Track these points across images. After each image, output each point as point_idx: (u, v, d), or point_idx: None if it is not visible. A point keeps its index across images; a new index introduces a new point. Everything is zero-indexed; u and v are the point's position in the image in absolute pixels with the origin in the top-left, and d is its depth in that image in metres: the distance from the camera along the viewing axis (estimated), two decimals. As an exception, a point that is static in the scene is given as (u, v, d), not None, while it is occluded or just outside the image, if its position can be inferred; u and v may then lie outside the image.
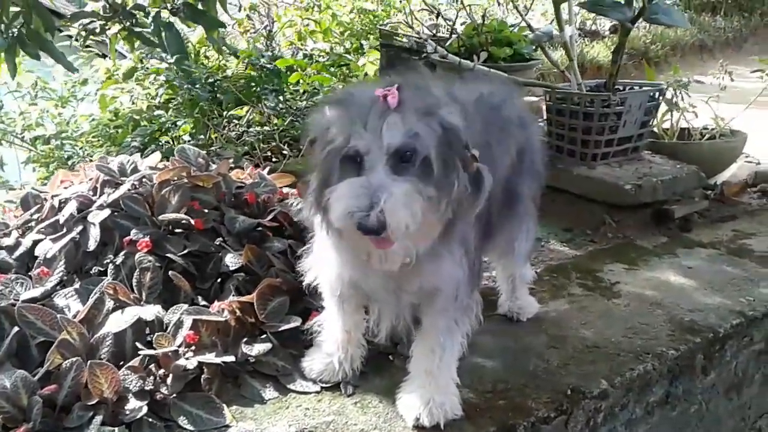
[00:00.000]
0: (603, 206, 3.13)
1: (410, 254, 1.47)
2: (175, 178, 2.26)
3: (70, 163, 4.43)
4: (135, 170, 2.34)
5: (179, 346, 1.81)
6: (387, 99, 1.34)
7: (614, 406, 1.92)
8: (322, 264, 1.74)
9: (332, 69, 5.26)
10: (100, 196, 2.23)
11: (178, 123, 4.09)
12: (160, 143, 4.12)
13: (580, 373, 1.92)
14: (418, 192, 1.35)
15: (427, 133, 1.36)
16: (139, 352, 1.75)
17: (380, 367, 1.91)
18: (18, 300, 1.94)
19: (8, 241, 2.22)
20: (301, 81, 4.16)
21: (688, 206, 3.24)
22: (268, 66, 3.99)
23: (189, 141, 4.11)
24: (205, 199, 2.28)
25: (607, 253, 2.84)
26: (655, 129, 3.66)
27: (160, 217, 2.12)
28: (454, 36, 3.98)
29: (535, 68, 3.98)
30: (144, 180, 2.28)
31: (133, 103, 4.78)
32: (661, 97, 3.33)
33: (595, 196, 3.14)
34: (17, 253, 2.18)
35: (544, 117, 3.51)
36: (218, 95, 3.84)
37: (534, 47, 3.79)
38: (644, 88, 3.31)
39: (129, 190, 2.20)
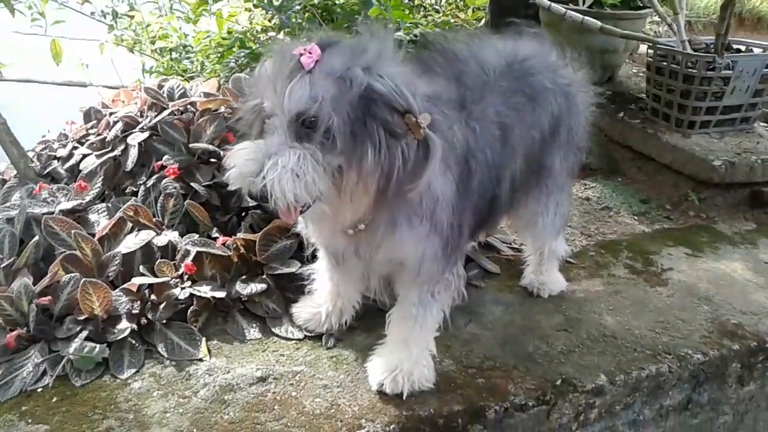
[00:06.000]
0: (690, 181, 2.83)
1: (344, 223, 1.42)
2: (217, 108, 2.29)
3: (186, 75, 4.68)
4: (183, 95, 2.38)
5: (180, 276, 1.88)
6: (302, 59, 1.25)
7: (614, 403, 1.78)
8: None
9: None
10: (145, 118, 2.31)
11: (274, 47, 4.14)
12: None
13: (580, 363, 1.79)
14: (316, 161, 1.25)
15: (336, 98, 1.24)
16: (133, 279, 1.82)
17: (371, 325, 1.86)
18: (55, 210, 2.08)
19: (63, 152, 2.36)
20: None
21: (795, 191, 2.86)
22: (354, -4, 3.88)
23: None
24: (244, 131, 2.29)
25: (676, 233, 2.57)
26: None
27: (192, 146, 2.16)
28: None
29: (647, 18, 3.56)
30: (189, 107, 2.32)
31: (249, 23, 4.89)
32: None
33: (681, 169, 2.84)
34: (68, 164, 2.32)
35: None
36: (302, 23, 3.81)
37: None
38: (765, 52, 2.90)
39: (170, 115, 2.25)
